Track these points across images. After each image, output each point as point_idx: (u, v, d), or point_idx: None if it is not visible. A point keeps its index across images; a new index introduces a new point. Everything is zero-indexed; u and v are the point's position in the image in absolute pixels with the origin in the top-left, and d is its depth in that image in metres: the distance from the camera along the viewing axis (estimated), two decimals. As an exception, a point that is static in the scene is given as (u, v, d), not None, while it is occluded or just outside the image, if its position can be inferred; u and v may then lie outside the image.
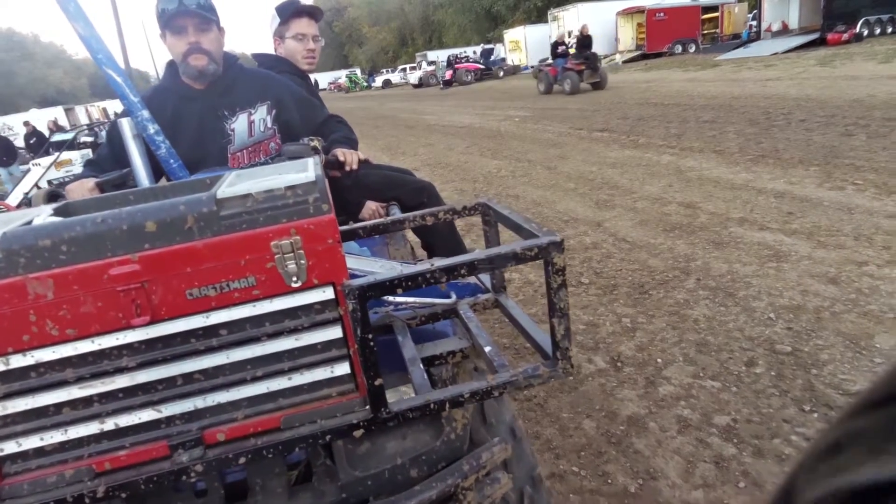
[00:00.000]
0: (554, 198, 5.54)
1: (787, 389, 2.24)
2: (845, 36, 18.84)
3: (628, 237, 4.15)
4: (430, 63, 35.39)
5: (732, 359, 2.50)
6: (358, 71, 53.38)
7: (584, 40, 15.26)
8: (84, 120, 31.22)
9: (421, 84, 32.82)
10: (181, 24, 1.63)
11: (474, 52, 31.90)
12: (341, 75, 50.80)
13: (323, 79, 50.88)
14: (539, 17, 33.95)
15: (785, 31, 21.62)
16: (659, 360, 2.57)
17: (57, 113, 30.57)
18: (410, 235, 2.27)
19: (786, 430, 2.03)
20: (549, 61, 17.00)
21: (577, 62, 15.07)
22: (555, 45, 16.07)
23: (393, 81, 41.15)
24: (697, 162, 5.99)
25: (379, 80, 43.10)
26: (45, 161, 9.09)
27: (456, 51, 33.83)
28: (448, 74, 27.89)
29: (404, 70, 40.84)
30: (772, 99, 9.45)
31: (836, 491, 0.32)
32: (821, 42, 18.42)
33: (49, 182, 7.47)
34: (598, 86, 15.20)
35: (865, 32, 20.45)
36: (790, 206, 4.21)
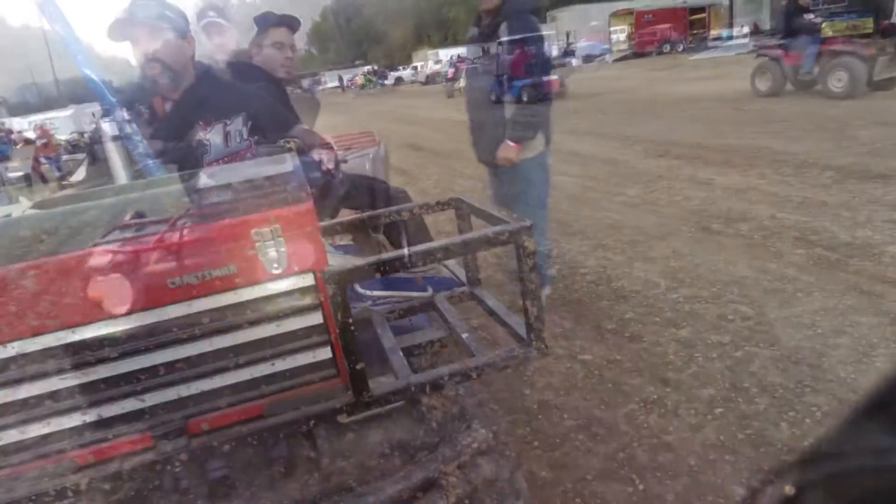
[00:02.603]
0: (478, 167, 7.94)
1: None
2: (803, 38, 20.57)
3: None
4: (437, 62, 37.53)
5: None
6: (375, 68, 55.77)
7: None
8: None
9: (428, 82, 34.83)
10: (133, 34, 1.63)
11: (477, 52, 33.81)
12: (357, 73, 53.30)
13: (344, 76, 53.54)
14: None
15: (756, 32, 23.45)
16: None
17: (95, 109, 33.62)
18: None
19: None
20: (776, 41, 9.47)
21: (864, 42, 7.75)
22: (793, 9, 8.58)
23: (404, 79, 43.25)
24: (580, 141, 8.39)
25: (391, 78, 45.38)
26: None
27: (459, 50, 35.97)
28: (450, 73, 30.05)
29: (415, 68, 42.93)
30: (668, 95, 12.11)
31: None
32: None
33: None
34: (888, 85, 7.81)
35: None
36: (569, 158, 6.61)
